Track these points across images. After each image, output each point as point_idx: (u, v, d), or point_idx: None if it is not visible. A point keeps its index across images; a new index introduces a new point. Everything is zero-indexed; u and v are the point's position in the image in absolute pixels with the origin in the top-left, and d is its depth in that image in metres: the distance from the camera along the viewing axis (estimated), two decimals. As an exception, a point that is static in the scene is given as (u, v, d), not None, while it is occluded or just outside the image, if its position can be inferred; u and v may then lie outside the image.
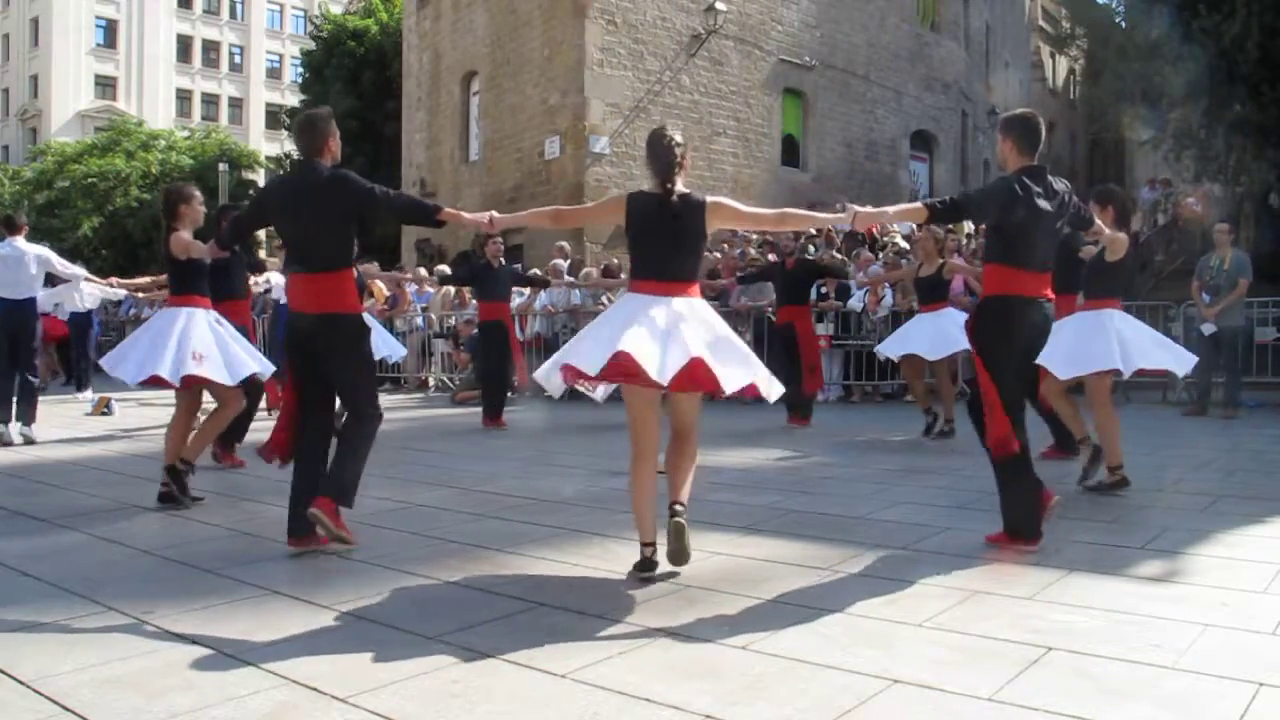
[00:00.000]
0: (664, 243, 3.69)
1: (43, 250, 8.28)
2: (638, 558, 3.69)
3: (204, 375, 5.26)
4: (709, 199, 3.77)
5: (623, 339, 3.40)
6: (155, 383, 5.34)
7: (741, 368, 3.61)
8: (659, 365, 3.39)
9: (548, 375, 3.81)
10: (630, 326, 3.46)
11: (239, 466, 6.53)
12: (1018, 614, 3.18)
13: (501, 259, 9.61)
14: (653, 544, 3.69)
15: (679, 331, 3.50)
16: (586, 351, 3.56)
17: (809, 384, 8.89)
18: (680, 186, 3.72)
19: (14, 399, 7.96)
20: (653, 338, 3.45)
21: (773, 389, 3.73)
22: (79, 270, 8.92)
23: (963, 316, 8.25)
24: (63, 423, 9.27)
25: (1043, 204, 4.09)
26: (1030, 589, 3.46)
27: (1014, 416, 4.13)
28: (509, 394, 9.96)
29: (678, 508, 3.61)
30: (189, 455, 5.22)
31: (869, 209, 4.12)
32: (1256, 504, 4.96)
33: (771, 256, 11.56)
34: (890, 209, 4.35)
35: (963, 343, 7.92)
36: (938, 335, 7.87)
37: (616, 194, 4.10)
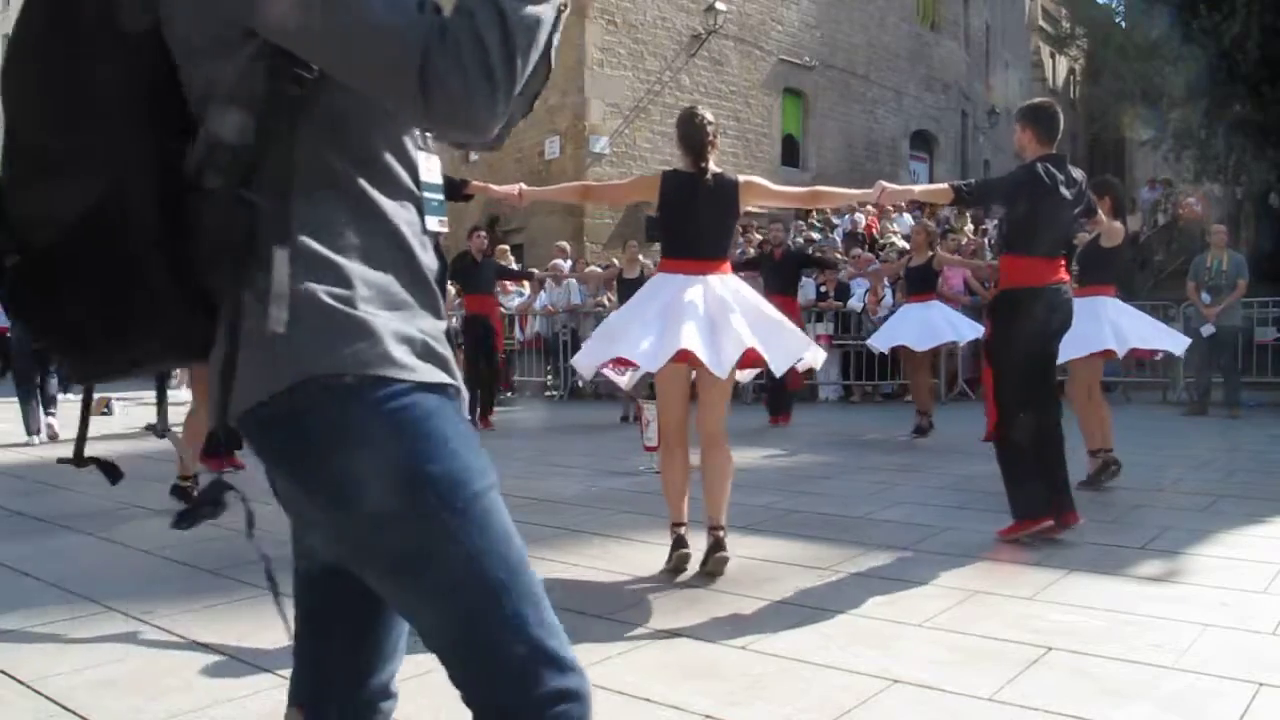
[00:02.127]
0: (698, 221, 3.72)
1: None
2: (669, 544, 3.76)
3: None
4: (741, 178, 3.82)
5: (682, 336, 3.43)
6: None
7: (787, 344, 3.67)
8: (717, 359, 3.46)
9: (590, 362, 3.81)
10: (681, 320, 3.49)
11: (239, 469, 6.51)
12: (1018, 614, 3.18)
13: (503, 252, 9.63)
14: (684, 523, 3.76)
15: (726, 319, 3.53)
16: (638, 344, 3.56)
17: (792, 380, 8.87)
18: (713, 165, 3.75)
19: (39, 399, 8.13)
20: (704, 331, 3.49)
21: (818, 355, 3.80)
22: None
23: (950, 310, 8.33)
24: (63, 423, 9.26)
25: (1064, 191, 4.15)
26: (1030, 589, 3.46)
27: (1019, 408, 4.18)
28: (504, 395, 9.95)
29: (720, 535, 3.70)
30: (186, 470, 5.11)
31: (896, 186, 4.20)
32: (1256, 504, 4.95)
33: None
34: (916, 187, 4.50)
35: (948, 335, 8.00)
36: (924, 327, 7.92)
37: (650, 173, 4.16)
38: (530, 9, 1.02)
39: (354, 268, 1.07)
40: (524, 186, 4.25)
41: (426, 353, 1.10)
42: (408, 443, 1.06)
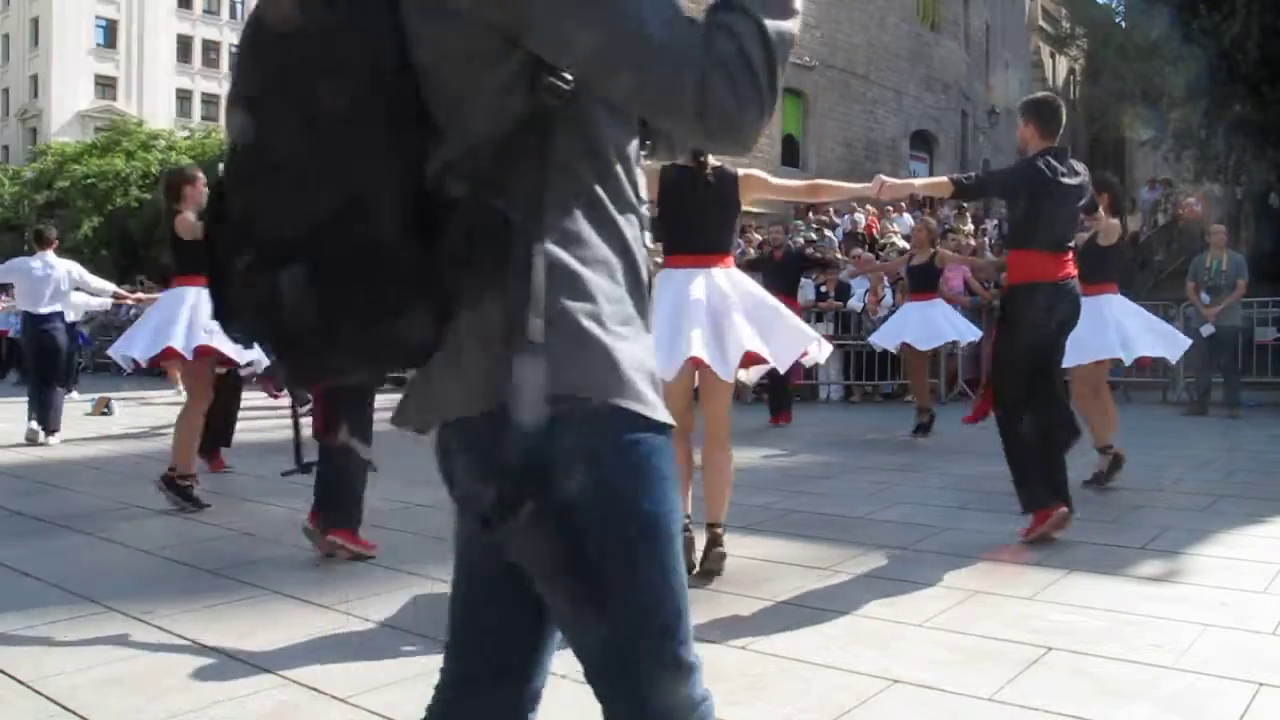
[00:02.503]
0: (699, 215, 3.73)
1: (74, 266, 8.32)
2: None
3: (217, 346, 5.09)
4: (741, 171, 3.82)
5: (690, 343, 3.43)
6: (168, 356, 5.29)
7: (789, 337, 3.66)
8: (722, 361, 3.47)
9: None
10: (688, 324, 3.49)
11: (224, 470, 6.40)
12: (1018, 614, 3.18)
13: None
14: (686, 514, 3.77)
15: (730, 317, 3.54)
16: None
17: (794, 374, 8.84)
18: (712, 159, 3.75)
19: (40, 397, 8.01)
20: (709, 332, 3.50)
21: (822, 350, 3.78)
22: (107, 285, 8.93)
23: (951, 310, 8.35)
24: (63, 423, 9.26)
25: (1066, 181, 4.14)
26: (1030, 589, 3.46)
27: (1021, 402, 4.20)
28: None
29: (719, 532, 3.70)
30: (185, 468, 5.12)
31: (896, 180, 4.20)
32: (1256, 504, 4.96)
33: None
34: (917, 181, 4.50)
35: (950, 335, 8.03)
36: (927, 325, 7.93)
37: (648, 166, 4.13)
38: (784, 23, 1.06)
39: (597, 281, 1.09)
40: None
41: (656, 384, 1.13)
42: (630, 475, 1.09)
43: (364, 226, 1.03)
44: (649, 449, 1.10)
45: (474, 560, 1.25)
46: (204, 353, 5.19)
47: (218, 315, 1.14)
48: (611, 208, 1.12)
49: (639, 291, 1.15)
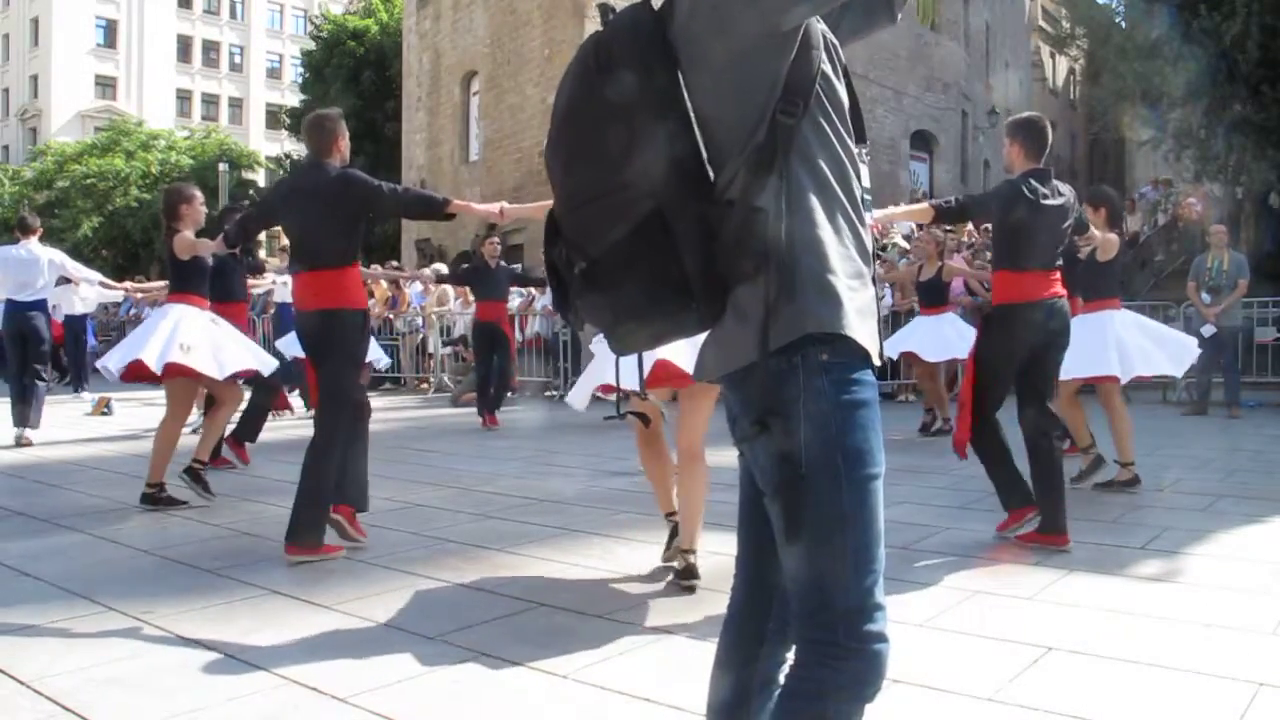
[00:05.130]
0: None
1: (56, 254, 8.22)
2: (664, 544, 3.80)
3: (188, 365, 5.07)
4: None
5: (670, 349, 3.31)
6: (137, 370, 5.11)
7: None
8: (695, 364, 3.37)
9: (581, 396, 3.84)
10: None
11: (231, 467, 6.44)
12: (1018, 614, 3.18)
13: (500, 260, 9.59)
14: (675, 510, 3.76)
15: None
16: (623, 366, 3.52)
17: None
18: None
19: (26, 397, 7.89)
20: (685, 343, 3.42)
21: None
22: (93, 274, 8.88)
23: (962, 323, 8.32)
24: (63, 423, 9.26)
25: (1049, 203, 4.15)
26: (1030, 589, 3.46)
27: (991, 421, 4.23)
28: (507, 394, 9.98)
29: (691, 559, 3.52)
30: (201, 454, 5.27)
31: (877, 210, 4.20)
32: (1256, 504, 4.96)
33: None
34: (897, 209, 4.45)
35: (961, 350, 8.00)
36: (937, 339, 7.91)
37: None
38: None
39: (831, 247, 1.41)
40: (505, 205, 4.28)
41: (875, 328, 1.45)
42: (845, 415, 1.38)
43: (665, 232, 1.36)
44: (865, 396, 1.41)
45: (745, 487, 1.62)
46: (176, 371, 5.10)
47: (558, 307, 1.52)
48: (840, 193, 1.45)
49: (863, 251, 1.47)
